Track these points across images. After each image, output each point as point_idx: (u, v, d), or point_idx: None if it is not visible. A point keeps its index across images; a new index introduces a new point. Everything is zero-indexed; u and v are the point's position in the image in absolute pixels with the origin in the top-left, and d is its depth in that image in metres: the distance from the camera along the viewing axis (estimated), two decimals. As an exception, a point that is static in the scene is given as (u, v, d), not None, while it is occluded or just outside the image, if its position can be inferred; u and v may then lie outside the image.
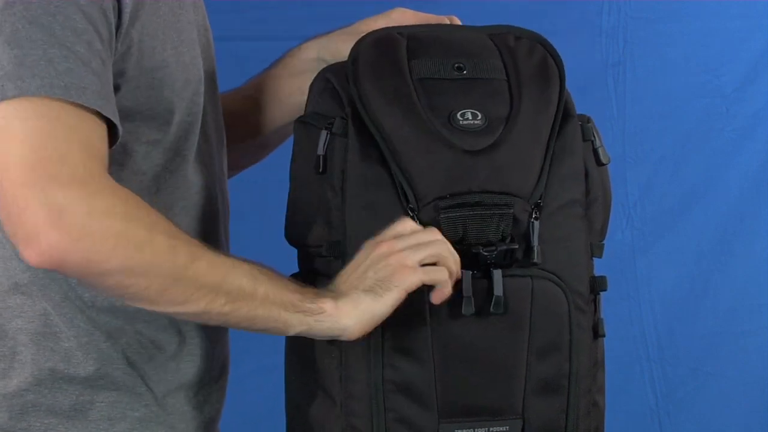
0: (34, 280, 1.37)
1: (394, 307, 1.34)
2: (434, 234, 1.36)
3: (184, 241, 1.29)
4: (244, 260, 1.33)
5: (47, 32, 1.24)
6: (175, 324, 1.43)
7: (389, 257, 1.34)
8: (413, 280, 1.34)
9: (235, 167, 1.64)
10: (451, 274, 1.35)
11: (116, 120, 1.29)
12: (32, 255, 1.23)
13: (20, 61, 1.23)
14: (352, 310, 1.34)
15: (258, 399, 2.70)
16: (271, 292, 1.32)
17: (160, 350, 1.42)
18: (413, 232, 1.35)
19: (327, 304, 1.33)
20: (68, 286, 1.38)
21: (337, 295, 1.34)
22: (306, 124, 1.44)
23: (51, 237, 1.22)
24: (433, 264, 1.35)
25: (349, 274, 1.35)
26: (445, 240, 1.36)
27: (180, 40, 1.42)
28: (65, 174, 1.23)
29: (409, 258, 1.34)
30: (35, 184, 1.22)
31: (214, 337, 1.48)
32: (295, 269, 1.48)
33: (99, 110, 1.26)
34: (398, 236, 1.35)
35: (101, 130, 1.28)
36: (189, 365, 1.45)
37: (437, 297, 1.35)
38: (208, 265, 1.29)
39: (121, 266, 1.25)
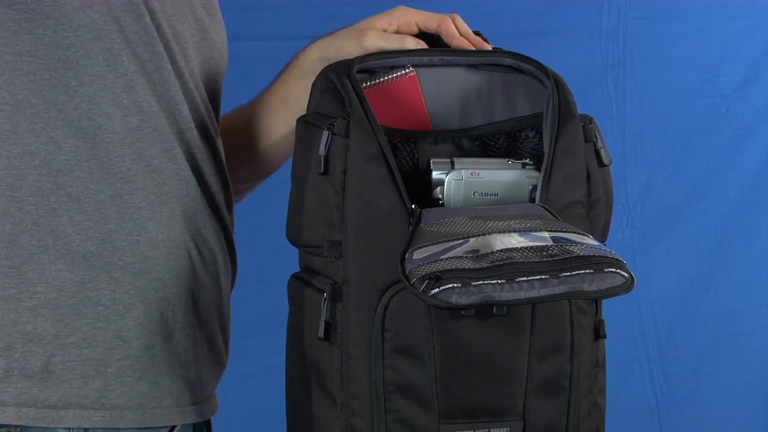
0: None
1: None
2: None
3: None
4: None
5: None
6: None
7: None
8: None
9: (247, 179, 1.64)
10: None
11: None
12: None
13: None
14: None
15: (258, 399, 2.70)
16: None
17: None
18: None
19: None
20: (48, 232, 1.36)
21: None
22: (307, 123, 1.43)
23: None
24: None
25: None
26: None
27: None
28: None
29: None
30: None
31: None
32: (296, 269, 1.48)
33: None
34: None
35: None
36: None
37: None
38: None
39: None
